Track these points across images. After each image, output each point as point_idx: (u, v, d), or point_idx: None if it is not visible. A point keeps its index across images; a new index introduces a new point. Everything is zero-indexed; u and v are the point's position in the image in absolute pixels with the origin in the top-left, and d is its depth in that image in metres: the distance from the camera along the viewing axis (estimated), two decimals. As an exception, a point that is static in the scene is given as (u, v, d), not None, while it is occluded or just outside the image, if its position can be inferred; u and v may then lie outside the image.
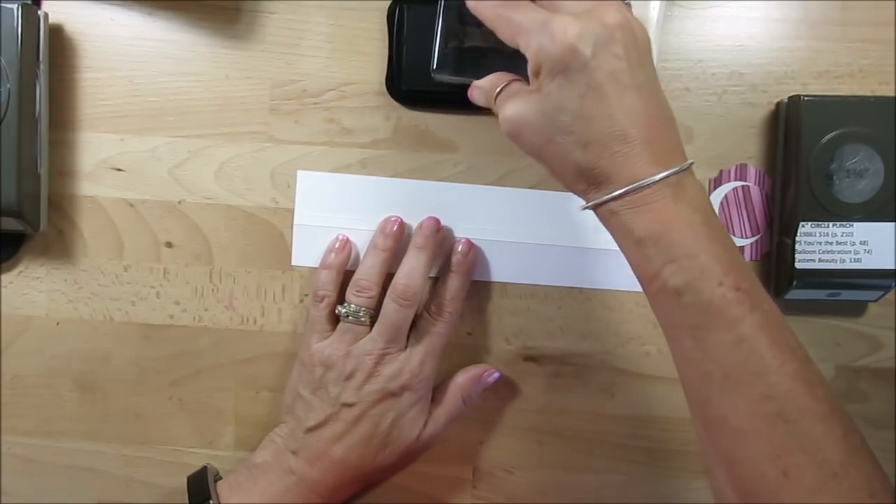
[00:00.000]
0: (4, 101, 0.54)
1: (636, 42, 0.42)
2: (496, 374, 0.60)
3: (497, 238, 0.59)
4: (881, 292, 0.59)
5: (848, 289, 0.58)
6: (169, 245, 0.61)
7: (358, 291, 0.56)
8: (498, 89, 0.47)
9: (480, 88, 0.50)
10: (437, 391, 0.58)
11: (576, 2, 0.43)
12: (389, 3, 0.59)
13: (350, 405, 0.55)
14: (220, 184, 0.60)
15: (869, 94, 0.59)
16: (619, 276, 0.60)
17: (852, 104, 0.56)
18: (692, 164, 0.43)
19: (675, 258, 0.42)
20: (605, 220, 0.44)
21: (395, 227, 0.58)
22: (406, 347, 0.56)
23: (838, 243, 0.57)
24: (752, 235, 0.61)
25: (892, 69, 0.59)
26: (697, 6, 0.59)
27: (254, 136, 0.60)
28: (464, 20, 0.53)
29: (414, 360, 0.55)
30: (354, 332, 0.56)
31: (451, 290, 0.57)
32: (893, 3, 0.59)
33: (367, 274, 0.57)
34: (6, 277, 0.61)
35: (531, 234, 0.60)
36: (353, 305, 0.56)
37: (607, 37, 0.41)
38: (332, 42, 0.59)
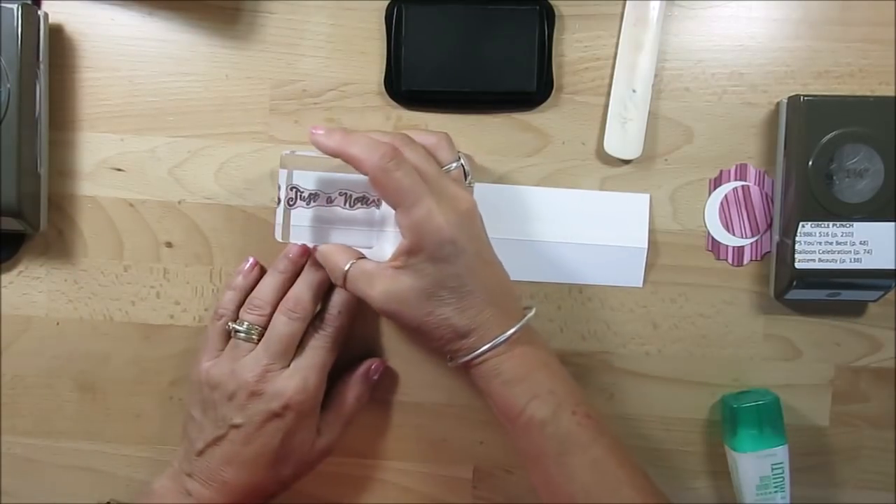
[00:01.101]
0: (4, 101, 0.54)
1: (479, 220, 0.52)
2: (381, 367, 0.60)
3: (496, 236, 0.59)
4: (881, 292, 0.59)
5: (848, 289, 0.58)
6: (169, 245, 0.61)
7: (251, 309, 0.56)
8: (347, 267, 0.52)
9: (325, 260, 0.54)
10: (329, 395, 0.58)
11: (436, 177, 0.51)
12: (388, 3, 0.59)
13: (237, 426, 0.54)
14: (220, 184, 0.60)
15: (869, 94, 0.59)
16: (618, 272, 0.60)
17: (852, 104, 0.56)
18: (535, 310, 0.53)
19: (538, 394, 0.50)
20: (475, 370, 0.51)
21: (295, 251, 0.57)
22: (290, 364, 0.55)
23: (838, 243, 0.57)
24: (752, 235, 0.61)
25: (892, 69, 0.59)
26: (697, 6, 0.59)
27: (254, 136, 0.60)
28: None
29: (296, 377, 0.54)
30: (242, 349, 0.55)
31: (337, 305, 0.57)
32: (893, 3, 0.59)
33: (263, 293, 0.56)
34: (6, 277, 0.61)
35: (530, 231, 0.60)
36: (245, 323, 0.56)
37: (469, 222, 0.51)
38: (332, 42, 0.59)
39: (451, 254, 0.49)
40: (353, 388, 0.59)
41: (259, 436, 0.54)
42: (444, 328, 0.50)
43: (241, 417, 0.54)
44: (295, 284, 0.56)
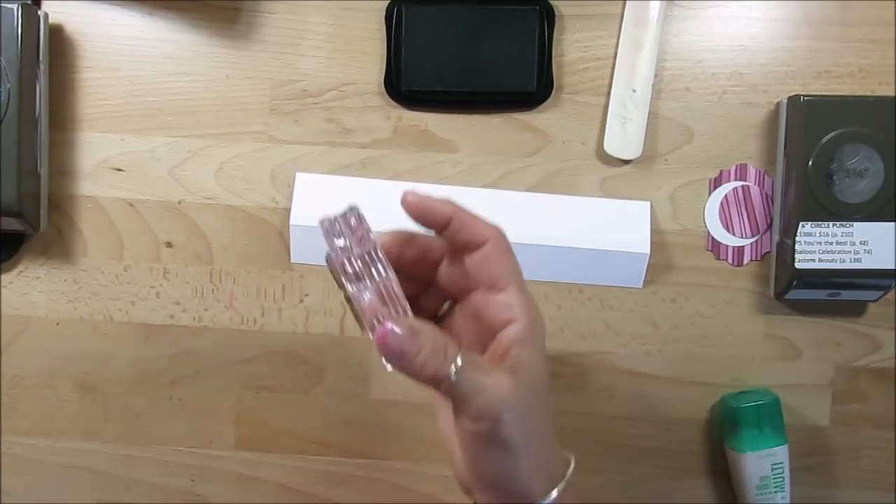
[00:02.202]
0: (4, 101, 0.54)
1: None
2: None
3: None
4: (881, 292, 0.59)
5: (848, 289, 0.58)
6: (169, 245, 0.61)
7: None
8: (458, 360, 0.38)
9: (419, 344, 0.38)
10: None
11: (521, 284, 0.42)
12: (388, 3, 0.59)
13: None
14: (220, 184, 0.60)
15: (869, 94, 0.59)
16: (619, 275, 0.60)
17: (852, 104, 0.56)
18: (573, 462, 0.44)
19: None
20: None
21: None
22: None
23: (838, 243, 0.57)
24: (752, 235, 0.61)
25: (892, 69, 0.59)
26: (697, 6, 0.59)
27: (254, 136, 0.60)
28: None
29: None
30: None
31: None
32: (893, 3, 0.59)
33: None
34: (6, 277, 0.61)
35: (528, 235, 0.60)
36: None
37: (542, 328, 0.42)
38: (332, 42, 0.59)
39: (543, 353, 0.41)
40: None
41: None
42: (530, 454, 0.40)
43: None
44: None
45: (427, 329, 0.38)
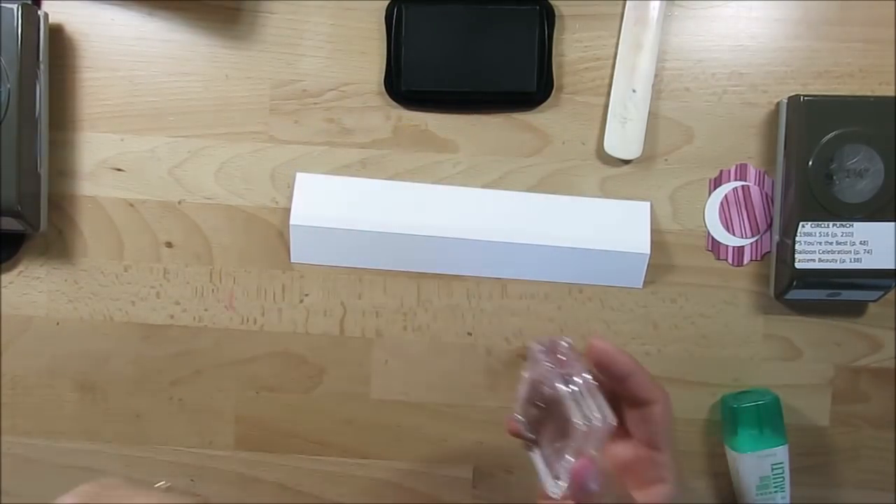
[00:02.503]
0: (4, 101, 0.54)
1: None
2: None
3: (496, 239, 0.59)
4: (881, 292, 0.59)
5: (848, 289, 0.58)
6: (169, 245, 0.61)
7: None
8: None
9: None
10: None
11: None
12: (388, 3, 0.59)
13: None
14: (220, 184, 0.60)
15: (869, 94, 0.59)
16: (619, 275, 0.60)
17: (852, 104, 0.56)
18: None
19: None
20: None
21: None
22: None
23: (838, 243, 0.57)
24: (752, 235, 0.61)
25: (892, 69, 0.59)
26: (697, 6, 0.59)
27: (254, 136, 0.60)
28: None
29: None
30: None
31: None
32: (893, 3, 0.59)
33: None
34: (6, 277, 0.61)
35: (529, 235, 0.60)
36: None
37: None
38: (332, 42, 0.59)
39: None
40: None
41: None
42: None
43: None
44: None
45: (615, 477, 0.43)
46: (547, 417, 0.45)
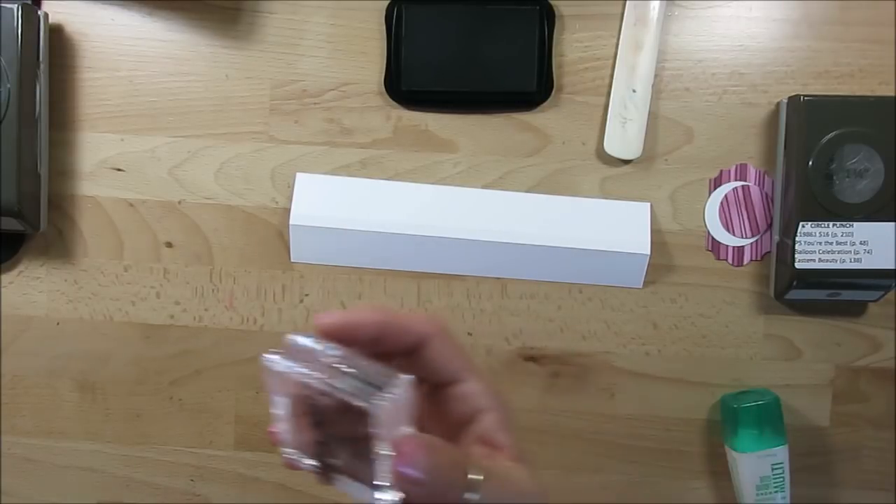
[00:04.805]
0: (4, 101, 0.54)
1: None
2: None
3: (497, 240, 0.59)
4: (881, 292, 0.59)
5: (848, 289, 0.58)
6: (169, 245, 0.61)
7: None
8: (478, 474, 0.34)
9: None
10: None
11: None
12: (388, 3, 0.59)
13: None
14: (220, 184, 0.60)
15: (869, 94, 0.59)
16: (619, 276, 0.60)
17: (852, 104, 0.56)
18: None
19: None
20: None
21: None
22: None
23: (838, 243, 0.57)
24: (752, 235, 0.61)
25: (892, 69, 0.59)
26: (697, 6, 0.59)
27: (254, 136, 0.60)
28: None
29: None
30: None
31: None
32: (893, 3, 0.59)
33: None
34: (6, 277, 0.61)
35: (529, 235, 0.60)
36: None
37: None
38: (332, 42, 0.59)
39: None
40: None
41: None
42: None
43: None
44: None
45: (442, 444, 0.34)
46: (330, 430, 0.35)
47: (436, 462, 0.33)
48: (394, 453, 0.32)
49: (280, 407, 0.35)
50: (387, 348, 0.36)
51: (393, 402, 0.32)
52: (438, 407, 0.38)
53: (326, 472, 0.35)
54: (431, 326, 0.37)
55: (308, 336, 0.34)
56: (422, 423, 0.35)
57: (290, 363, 0.33)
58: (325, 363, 0.33)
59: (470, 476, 0.33)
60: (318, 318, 0.35)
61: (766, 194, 0.60)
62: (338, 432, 0.35)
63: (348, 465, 0.35)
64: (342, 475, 0.35)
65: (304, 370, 0.33)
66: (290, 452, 0.35)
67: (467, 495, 0.33)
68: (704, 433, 0.62)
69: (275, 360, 0.33)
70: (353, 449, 0.34)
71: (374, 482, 0.33)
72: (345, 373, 0.33)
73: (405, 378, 0.33)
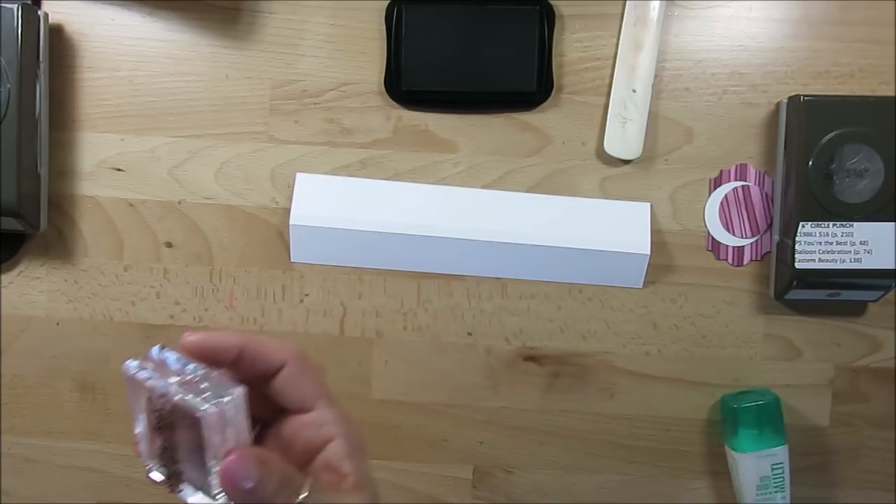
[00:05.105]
0: (4, 101, 0.54)
1: None
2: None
3: (496, 240, 0.59)
4: (881, 292, 0.59)
5: (848, 289, 0.58)
6: (169, 245, 0.61)
7: None
8: (307, 488, 0.36)
9: (270, 474, 0.35)
10: None
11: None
12: (388, 3, 0.59)
13: None
14: (220, 184, 0.60)
15: (869, 94, 0.59)
16: (619, 276, 0.60)
17: (852, 104, 0.56)
18: None
19: None
20: None
21: None
22: None
23: (838, 243, 0.57)
24: (752, 235, 0.61)
25: (892, 69, 0.59)
26: (697, 6, 0.59)
27: (254, 136, 0.60)
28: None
29: None
30: None
31: None
32: (893, 3, 0.59)
33: None
34: (6, 277, 0.61)
35: (528, 235, 0.60)
36: None
37: None
38: (332, 42, 0.59)
39: None
40: None
41: None
42: None
43: None
44: None
45: (273, 457, 0.35)
46: (178, 440, 0.36)
47: (264, 474, 0.34)
48: (222, 463, 0.34)
49: (139, 418, 0.36)
50: (246, 372, 0.38)
51: (221, 407, 0.34)
52: (293, 434, 0.38)
53: (176, 482, 0.37)
54: (288, 353, 0.38)
55: (171, 351, 0.36)
56: (266, 442, 0.38)
57: (145, 373, 0.35)
58: (177, 375, 0.35)
59: (302, 496, 0.35)
60: (182, 336, 0.37)
61: (766, 194, 0.60)
62: (184, 441, 0.36)
63: (192, 476, 0.36)
64: (189, 485, 0.36)
65: (153, 377, 0.35)
66: (147, 464, 0.37)
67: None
68: (704, 433, 0.62)
69: (130, 367, 0.36)
70: (198, 459, 0.35)
71: (210, 492, 0.35)
72: (190, 384, 0.35)
73: (237, 389, 0.35)
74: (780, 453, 0.58)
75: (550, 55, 0.59)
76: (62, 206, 0.60)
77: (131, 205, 0.61)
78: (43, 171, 0.58)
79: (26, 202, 0.56)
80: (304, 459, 0.38)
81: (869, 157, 0.56)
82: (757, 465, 0.58)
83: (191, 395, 0.34)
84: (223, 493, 0.35)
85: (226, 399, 0.34)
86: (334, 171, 0.60)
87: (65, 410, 0.62)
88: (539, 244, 0.59)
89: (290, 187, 0.60)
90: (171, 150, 0.60)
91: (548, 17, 0.58)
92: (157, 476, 0.37)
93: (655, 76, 0.59)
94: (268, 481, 0.35)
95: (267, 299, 0.61)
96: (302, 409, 0.39)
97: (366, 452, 0.40)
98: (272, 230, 0.61)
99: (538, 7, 0.58)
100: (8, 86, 0.54)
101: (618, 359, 0.61)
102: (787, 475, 0.58)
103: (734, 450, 0.59)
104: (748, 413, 0.58)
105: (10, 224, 0.57)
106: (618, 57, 0.59)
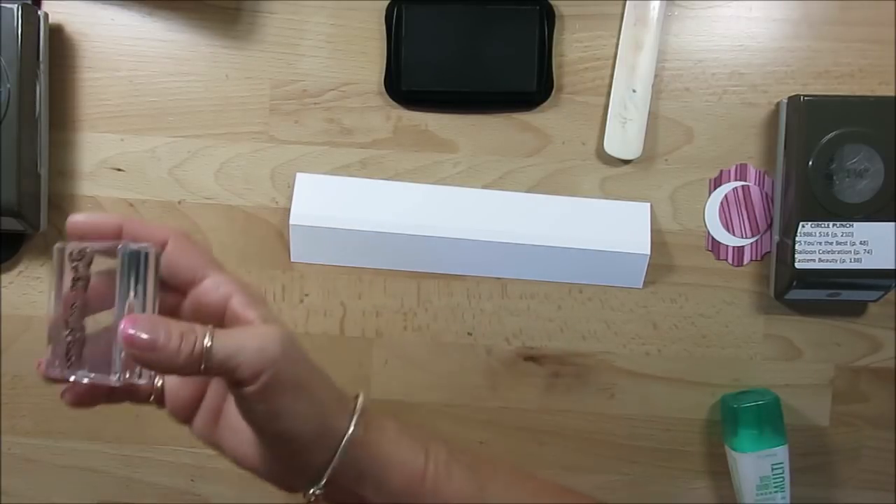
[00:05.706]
0: (4, 101, 0.54)
1: None
2: None
3: (497, 240, 0.59)
4: (881, 292, 0.59)
5: (848, 289, 0.58)
6: (169, 245, 0.61)
7: None
8: (209, 332, 0.37)
9: (168, 329, 0.37)
10: None
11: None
12: (388, 3, 0.59)
13: None
14: (220, 184, 0.60)
15: (869, 94, 0.59)
16: (619, 276, 0.60)
17: (852, 104, 0.56)
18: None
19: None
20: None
21: None
22: None
23: (838, 243, 0.57)
24: (752, 235, 0.61)
25: (892, 69, 0.59)
26: (697, 6, 0.59)
27: (254, 136, 0.60)
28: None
29: None
30: None
31: None
32: (893, 3, 0.59)
33: None
34: (6, 277, 0.61)
35: (529, 235, 0.60)
36: None
37: None
38: (332, 42, 0.59)
39: None
40: None
41: None
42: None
43: None
44: None
45: (166, 318, 0.37)
46: (89, 300, 0.40)
47: (162, 326, 0.36)
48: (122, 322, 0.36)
49: (54, 303, 0.40)
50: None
51: (138, 247, 0.38)
52: (195, 307, 0.40)
53: (73, 368, 0.40)
54: (168, 231, 0.40)
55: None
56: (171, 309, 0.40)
57: (71, 244, 0.41)
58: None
59: (206, 341, 0.36)
60: (68, 220, 0.41)
61: (766, 194, 0.60)
62: (95, 301, 0.40)
63: (94, 352, 0.39)
64: (88, 371, 0.39)
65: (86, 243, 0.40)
66: (49, 370, 0.40)
67: (205, 343, 0.36)
68: (704, 433, 0.62)
69: (57, 246, 0.41)
70: (103, 338, 0.39)
71: (112, 370, 0.38)
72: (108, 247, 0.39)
73: (151, 245, 0.38)
74: (780, 453, 0.58)
75: (550, 55, 0.59)
76: (62, 206, 0.60)
77: (131, 205, 0.61)
78: (43, 171, 0.58)
79: (26, 202, 0.56)
80: (214, 324, 0.39)
81: (869, 157, 0.56)
82: (757, 465, 0.58)
83: (109, 245, 0.39)
84: (120, 374, 0.37)
85: (142, 245, 0.38)
86: (334, 171, 0.60)
87: (65, 410, 0.62)
88: (539, 244, 0.59)
89: (290, 187, 0.60)
90: (171, 150, 0.60)
91: (548, 17, 0.58)
92: (51, 372, 0.40)
93: (655, 76, 0.59)
94: (167, 333, 0.36)
95: (267, 299, 0.61)
96: (195, 282, 0.40)
97: (265, 303, 0.41)
98: (272, 230, 0.61)
99: (538, 7, 0.58)
100: (8, 86, 0.54)
101: (618, 359, 0.61)
102: (787, 475, 0.58)
103: (734, 450, 0.59)
104: (748, 413, 0.58)
105: (10, 224, 0.57)
106: (618, 57, 0.59)
